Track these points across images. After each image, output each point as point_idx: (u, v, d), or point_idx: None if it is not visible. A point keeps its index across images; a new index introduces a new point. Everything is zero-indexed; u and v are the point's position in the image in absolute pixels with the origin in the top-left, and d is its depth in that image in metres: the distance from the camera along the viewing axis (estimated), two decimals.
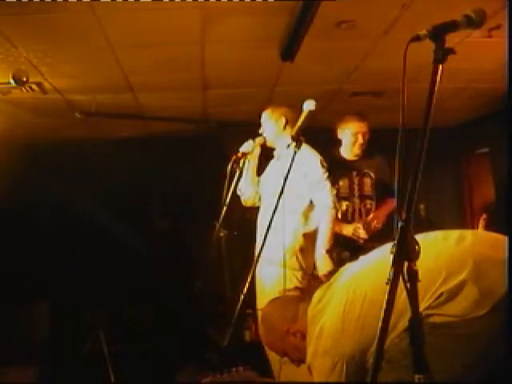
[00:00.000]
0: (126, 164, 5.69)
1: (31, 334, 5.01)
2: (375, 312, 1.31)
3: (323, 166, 3.41)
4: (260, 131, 3.55)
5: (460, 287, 1.69)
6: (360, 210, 3.95)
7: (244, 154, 3.43)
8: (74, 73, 3.99)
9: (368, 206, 3.95)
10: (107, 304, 5.13)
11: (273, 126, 3.50)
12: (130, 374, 4.41)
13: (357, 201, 3.95)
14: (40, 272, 5.32)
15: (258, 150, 3.59)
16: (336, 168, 3.78)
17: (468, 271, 1.71)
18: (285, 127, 3.46)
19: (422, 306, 1.56)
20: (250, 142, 3.48)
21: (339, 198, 3.81)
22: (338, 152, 4.03)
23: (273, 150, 3.64)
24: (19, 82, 3.78)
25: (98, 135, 5.81)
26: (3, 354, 4.29)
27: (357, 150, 3.94)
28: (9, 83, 3.79)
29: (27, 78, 3.80)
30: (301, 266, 3.36)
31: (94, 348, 4.73)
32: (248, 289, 2.50)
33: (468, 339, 1.64)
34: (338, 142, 4.03)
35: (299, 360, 2.04)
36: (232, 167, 3.31)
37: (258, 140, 3.51)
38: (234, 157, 3.37)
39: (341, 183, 3.92)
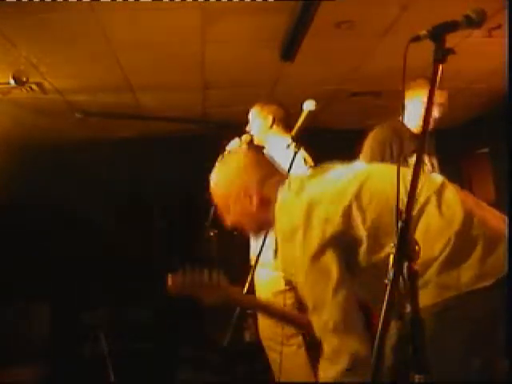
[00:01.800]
0: (125, 164, 5.69)
1: (31, 335, 5.01)
2: None
3: (306, 163, 3.30)
4: (247, 128, 3.51)
5: None
6: None
7: None
8: (74, 73, 3.99)
9: None
10: (107, 304, 5.13)
11: (260, 124, 3.45)
12: (129, 374, 4.41)
13: None
14: (40, 272, 5.31)
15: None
16: (399, 139, 3.21)
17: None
18: (272, 125, 3.42)
19: None
20: (237, 140, 3.45)
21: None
22: (399, 121, 3.37)
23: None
24: (19, 82, 3.78)
25: (98, 135, 5.82)
26: (3, 354, 4.29)
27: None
28: (9, 83, 3.79)
29: (27, 78, 3.80)
30: None
31: (93, 348, 4.73)
32: (248, 289, 2.50)
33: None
34: (402, 108, 3.32)
35: None
36: None
37: (245, 138, 3.47)
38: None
39: (410, 161, 3.25)
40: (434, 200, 1.64)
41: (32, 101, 4.48)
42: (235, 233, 3.84)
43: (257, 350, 3.39)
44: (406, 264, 1.24)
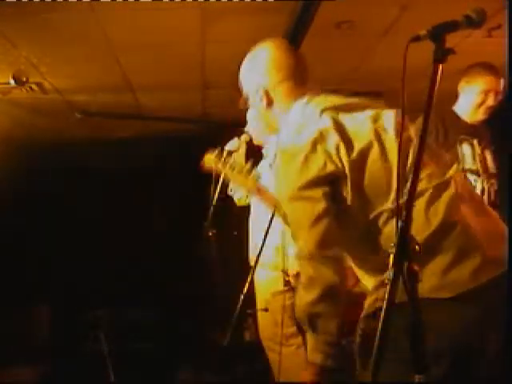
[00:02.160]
0: (125, 164, 5.69)
1: (31, 334, 5.02)
2: None
3: None
4: (245, 129, 3.51)
5: None
6: (489, 190, 3.09)
7: (230, 153, 3.42)
8: (74, 73, 3.99)
9: (495, 186, 3.09)
10: (107, 304, 5.13)
11: (259, 123, 3.45)
12: (129, 374, 4.41)
13: (483, 177, 3.11)
14: (40, 272, 5.32)
15: (244, 148, 3.56)
16: (444, 128, 3.03)
17: None
18: None
19: None
20: (236, 140, 3.45)
21: (464, 169, 3.07)
22: (449, 109, 3.21)
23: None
24: (19, 82, 3.78)
25: (98, 135, 5.82)
26: (3, 354, 4.29)
27: (481, 114, 3.11)
28: (9, 83, 3.79)
29: (27, 78, 3.80)
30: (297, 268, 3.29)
31: (93, 348, 4.73)
32: (248, 289, 2.50)
33: None
34: (456, 96, 3.22)
35: None
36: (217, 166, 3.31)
37: (244, 138, 3.48)
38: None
39: (464, 150, 3.10)
40: (427, 195, 1.61)
41: (32, 101, 4.48)
42: (235, 233, 3.84)
43: (257, 350, 3.39)
44: (405, 264, 1.24)
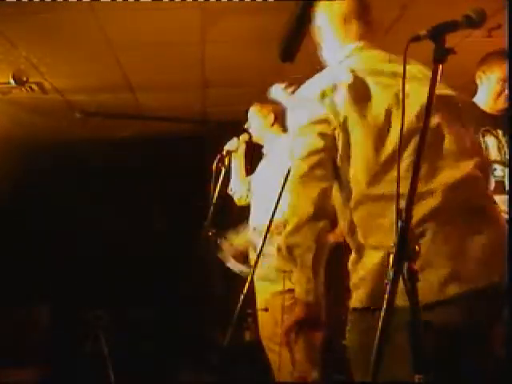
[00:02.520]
0: (125, 164, 5.69)
1: (31, 335, 5.02)
2: None
3: None
4: (245, 126, 3.50)
5: None
6: None
7: (229, 152, 3.42)
8: (74, 73, 3.99)
9: None
10: (107, 304, 5.13)
11: (260, 122, 3.44)
12: (129, 374, 4.41)
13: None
14: (40, 272, 5.32)
15: (243, 148, 3.56)
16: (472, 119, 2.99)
17: None
18: (273, 124, 3.42)
19: None
20: (235, 139, 3.45)
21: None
22: (472, 102, 3.13)
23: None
24: (19, 82, 3.78)
25: (98, 135, 5.82)
26: (4, 354, 4.29)
27: (502, 103, 3.00)
28: (9, 83, 3.79)
29: (27, 78, 3.80)
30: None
31: (94, 348, 4.73)
32: (248, 289, 2.50)
33: None
34: (475, 88, 3.14)
35: None
36: (217, 166, 3.30)
37: (243, 137, 3.47)
38: (219, 155, 3.36)
39: (488, 141, 3.01)
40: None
41: (32, 101, 4.49)
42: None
43: (257, 350, 3.39)
44: (405, 264, 1.24)
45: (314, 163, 1.69)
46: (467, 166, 1.65)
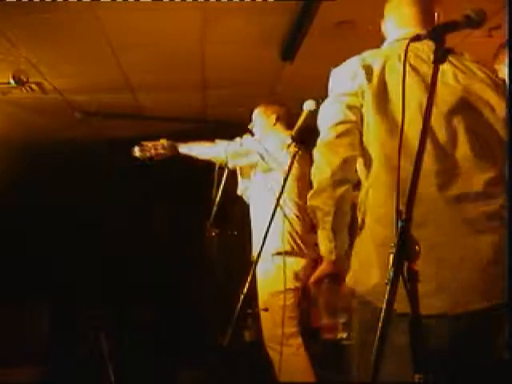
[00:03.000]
0: (125, 164, 5.68)
1: (31, 334, 5.01)
2: None
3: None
4: (249, 126, 3.53)
5: None
6: None
7: None
8: (74, 73, 3.99)
9: None
10: (107, 304, 5.13)
11: (264, 122, 3.48)
12: (130, 374, 4.41)
13: None
14: (40, 272, 5.31)
15: None
16: None
17: None
18: (275, 124, 3.46)
19: None
20: (238, 139, 3.47)
21: None
22: None
23: None
24: (19, 82, 3.78)
25: (98, 135, 5.81)
26: (4, 354, 4.29)
27: None
28: (9, 83, 3.79)
29: (27, 78, 3.80)
30: (293, 249, 3.24)
31: (94, 348, 4.73)
32: (248, 289, 2.50)
33: None
34: None
35: None
36: (219, 166, 3.32)
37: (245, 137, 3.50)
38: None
39: None
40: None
41: (32, 101, 4.48)
42: (235, 233, 3.83)
43: (257, 349, 3.39)
44: (405, 264, 1.24)
45: (340, 132, 1.76)
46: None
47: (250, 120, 3.54)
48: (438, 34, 1.36)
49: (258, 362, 3.54)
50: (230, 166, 3.34)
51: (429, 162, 1.60)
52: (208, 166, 3.45)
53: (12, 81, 3.77)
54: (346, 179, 1.75)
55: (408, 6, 1.89)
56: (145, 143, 3.67)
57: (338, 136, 1.76)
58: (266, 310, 3.14)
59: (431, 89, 1.34)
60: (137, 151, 3.70)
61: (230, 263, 3.57)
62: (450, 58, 1.64)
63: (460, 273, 1.58)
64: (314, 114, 2.55)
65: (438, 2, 1.90)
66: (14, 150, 5.08)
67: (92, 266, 5.39)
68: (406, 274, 1.23)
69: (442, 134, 1.65)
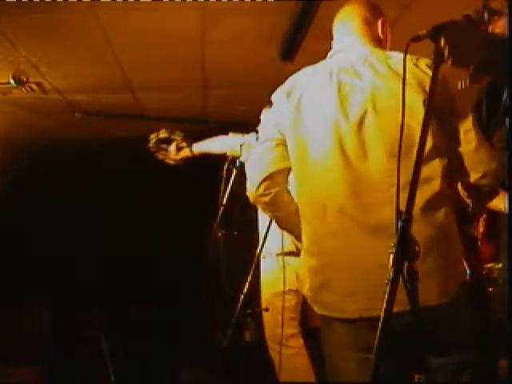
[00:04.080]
0: (125, 164, 5.69)
1: (31, 334, 5.01)
2: None
3: None
4: (258, 128, 3.52)
5: None
6: None
7: None
8: (74, 73, 3.99)
9: None
10: (107, 304, 5.13)
11: None
12: (130, 374, 4.41)
13: None
14: (40, 272, 5.31)
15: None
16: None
17: None
18: None
19: None
20: (253, 134, 3.47)
21: None
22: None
23: None
24: (19, 82, 3.78)
25: (98, 135, 5.81)
26: (3, 354, 4.29)
27: None
28: (9, 83, 3.79)
29: (27, 78, 3.80)
30: (297, 248, 3.24)
31: (94, 348, 4.73)
32: (248, 289, 2.50)
33: None
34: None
35: None
36: (228, 167, 3.32)
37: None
38: (230, 157, 3.38)
39: None
40: None
41: (32, 101, 4.48)
42: (235, 233, 3.82)
43: (257, 349, 3.39)
44: (406, 264, 1.24)
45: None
46: None
47: (258, 121, 3.54)
48: (438, 34, 1.36)
49: (258, 362, 3.54)
50: (243, 158, 3.30)
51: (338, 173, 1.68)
52: (213, 165, 3.45)
53: (12, 81, 3.76)
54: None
55: (351, 19, 2.01)
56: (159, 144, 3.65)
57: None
58: (267, 309, 3.14)
59: (430, 90, 1.34)
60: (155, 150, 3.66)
61: (235, 264, 3.56)
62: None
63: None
64: None
65: (380, 15, 1.99)
66: (13, 150, 5.08)
67: (92, 266, 5.39)
68: (405, 273, 1.23)
69: (350, 145, 1.68)
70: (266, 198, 1.86)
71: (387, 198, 1.57)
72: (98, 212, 5.69)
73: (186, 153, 3.64)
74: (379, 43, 1.89)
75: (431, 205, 1.59)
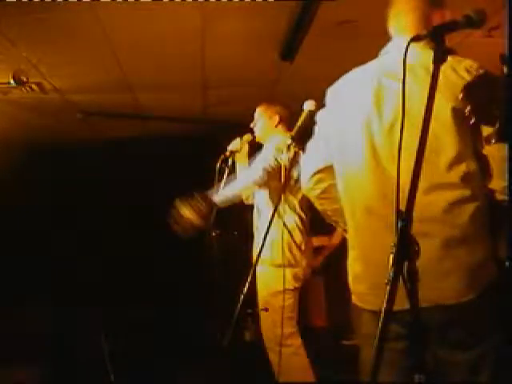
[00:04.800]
0: (125, 164, 5.69)
1: (31, 334, 5.01)
2: None
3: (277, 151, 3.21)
4: (251, 125, 3.51)
5: None
6: None
7: (232, 153, 3.43)
8: (74, 73, 3.99)
9: None
10: (107, 304, 5.13)
11: (265, 122, 3.46)
12: (130, 374, 4.41)
13: None
14: (40, 272, 5.32)
15: (246, 148, 3.56)
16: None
17: None
18: (277, 125, 3.43)
19: None
20: (238, 139, 3.47)
21: None
22: None
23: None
24: (19, 82, 3.78)
25: (98, 135, 5.81)
26: (4, 354, 4.29)
27: None
28: (9, 83, 3.79)
29: (27, 78, 3.80)
30: (289, 261, 3.23)
31: (94, 348, 4.73)
32: (248, 289, 2.50)
33: None
34: None
35: None
36: (220, 166, 3.32)
37: (246, 137, 3.49)
38: (222, 156, 3.38)
39: None
40: None
41: (32, 101, 4.48)
42: (235, 233, 3.82)
43: (257, 350, 3.39)
44: (405, 264, 1.24)
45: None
46: None
47: (252, 119, 3.53)
48: (438, 34, 1.36)
49: (257, 362, 3.54)
50: (284, 159, 3.23)
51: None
52: (208, 167, 3.45)
53: (12, 81, 3.77)
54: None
55: (404, 14, 1.90)
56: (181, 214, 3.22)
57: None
58: (266, 309, 3.14)
59: (430, 90, 1.34)
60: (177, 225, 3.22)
61: (230, 263, 3.56)
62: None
63: None
64: (313, 114, 2.56)
65: (440, 5, 1.84)
66: (13, 150, 5.08)
67: (92, 266, 5.39)
68: (405, 273, 1.23)
69: (381, 147, 1.72)
70: (317, 192, 1.98)
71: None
72: (97, 211, 5.69)
73: (207, 210, 3.26)
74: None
75: (454, 208, 1.61)
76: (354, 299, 1.82)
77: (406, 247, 1.23)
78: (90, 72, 4.01)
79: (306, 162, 2.07)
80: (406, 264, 1.24)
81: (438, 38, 1.35)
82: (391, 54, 1.88)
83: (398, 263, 1.23)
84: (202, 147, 5.74)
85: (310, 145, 2.06)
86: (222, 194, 3.25)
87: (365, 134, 1.74)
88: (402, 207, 1.32)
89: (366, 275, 1.76)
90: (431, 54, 1.62)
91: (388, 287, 1.21)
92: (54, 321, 5.21)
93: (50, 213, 5.70)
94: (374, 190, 1.72)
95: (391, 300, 1.20)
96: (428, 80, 1.56)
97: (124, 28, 3.23)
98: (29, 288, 5.04)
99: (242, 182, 3.33)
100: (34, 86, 4.10)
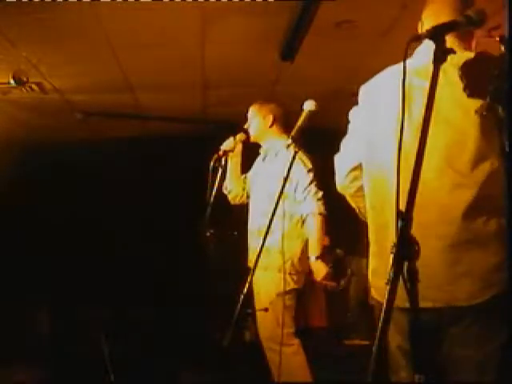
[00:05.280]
0: (125, 164, 5.69)
1: (31, 334, 5.02)
2: None
3: (309, 172, 3.22)
4: (245, 126, 3.49)
5: None
6: None
7: (225, 152, 3.42)
8: (74, 73, 3.99)
9: None
10: (107, 304, 5.13)
11: (259, 122, 3.43)
12: (130, 374, 4.41)
13: None
14: (40, 272, 5.32)
15: (239, 147, 3.55)
16: None
17: None
18: (272, 125, 3.41)
19: None
20: (231, 139, 3.44)
21: None
22: None
23: (258, 146, 3.57)
24: (19, 82, 3.78)
25: (98, 135, 5.82)
26: (3, 354, 4.29)
27: None
28: (9, 83, 3.79)
29: (27, 78, 3.80)
30: (297, 270, 3.28)
31: (94, 348, 4.73)
32: (248, 289, 2.50)
33: None
34: None
35: None
36: (214, 165, 3.30)
37: (239, 137, 3.46)
38: (216, 155, 3.36)
39: None
40: None
41: (32, 101, 4.48)
42: (235, 233, 3.82)
43: (257, 349, 3.39)
44: (405, 264, 1.24)
45: None
46: None
47: (246, 119, 3.51)
48: (438, 33, 1.36)
49: (258, 362, 3.54)
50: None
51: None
52: (203, 166, 3.44)
53: (12, 81, 3.77)
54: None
55: (444, 15, 1.77)
56: None
57: None
58: (266, 309, 3.14)
59: (430, 90, 1.33)
60: None
61: (226, 263, 3.56)
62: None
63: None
64: (313, 114, 2.56)
65: (473, 5, 1.81)
66: (13, 150, 5.08)
67: (92, 266, 5.39)
68: (405, 273, 1.23)
69: (410, 146, 1.68)
70: (353, 190, 2.02)
71: (436, 198, 1.64)
72: (98, 211, 5.69)
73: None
74: (463, 40, 1.82)
75: (472, 211, 1.61)
76: (373, 293, 1.85)
77: (406, 247, 1.23)
78: (90, 72, 4.01)
79: (340, 161, 2.07)
80: (405, 264, 1.23)
81: (438, 38, 1.35)
82: (422, 53, 1.84)
83: (398, 263, 1.23)
84: (202, 147, 5.75)
85: (344, 142, 2.06)
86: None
87: (394, 132, 1.73)
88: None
89: (382, 271, 1.76)
90: (461, 54, 1.65)
91: (388, 287, 1.21)
92: (53, 321, 5.21)
93: (49, 212, 5.70)
94: (402, 189, 1.71)
95: (391, 300, 1.20)
96: (456, 80, 1.57)
97: (124, 28, 3.23)
98: (29, 288, 5.04)
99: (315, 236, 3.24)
100: (34, 86, 4.10)
